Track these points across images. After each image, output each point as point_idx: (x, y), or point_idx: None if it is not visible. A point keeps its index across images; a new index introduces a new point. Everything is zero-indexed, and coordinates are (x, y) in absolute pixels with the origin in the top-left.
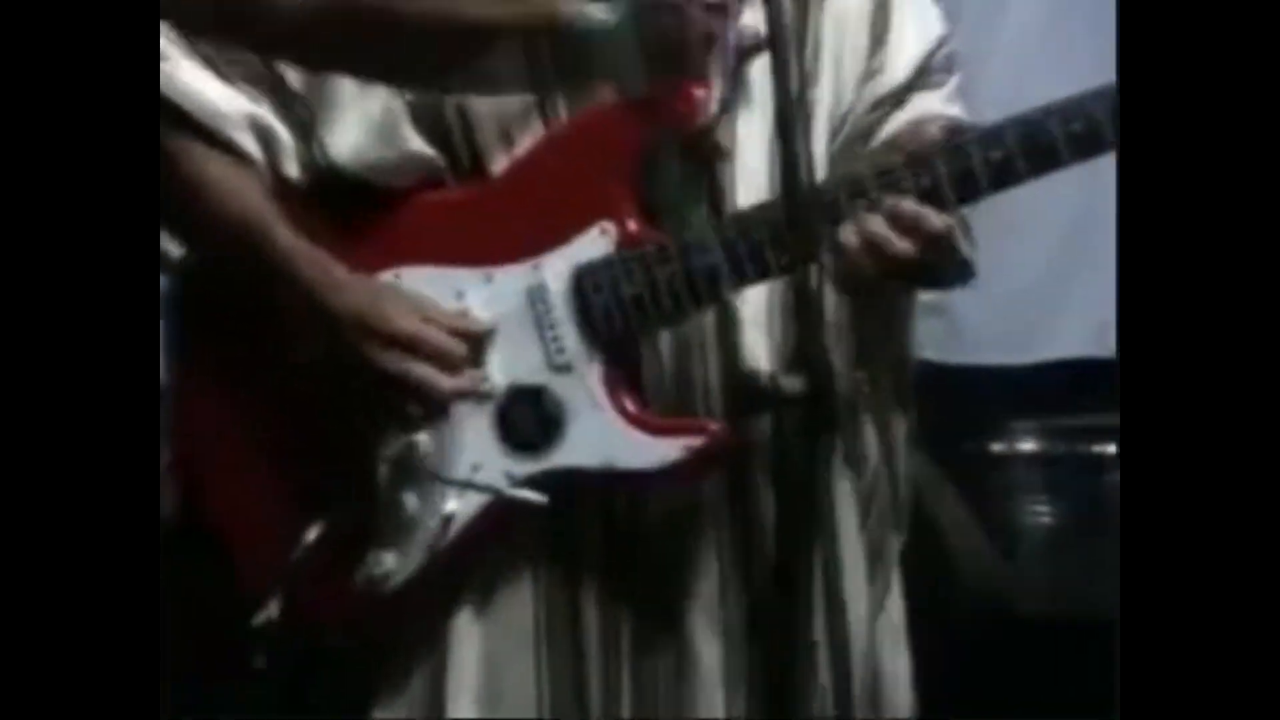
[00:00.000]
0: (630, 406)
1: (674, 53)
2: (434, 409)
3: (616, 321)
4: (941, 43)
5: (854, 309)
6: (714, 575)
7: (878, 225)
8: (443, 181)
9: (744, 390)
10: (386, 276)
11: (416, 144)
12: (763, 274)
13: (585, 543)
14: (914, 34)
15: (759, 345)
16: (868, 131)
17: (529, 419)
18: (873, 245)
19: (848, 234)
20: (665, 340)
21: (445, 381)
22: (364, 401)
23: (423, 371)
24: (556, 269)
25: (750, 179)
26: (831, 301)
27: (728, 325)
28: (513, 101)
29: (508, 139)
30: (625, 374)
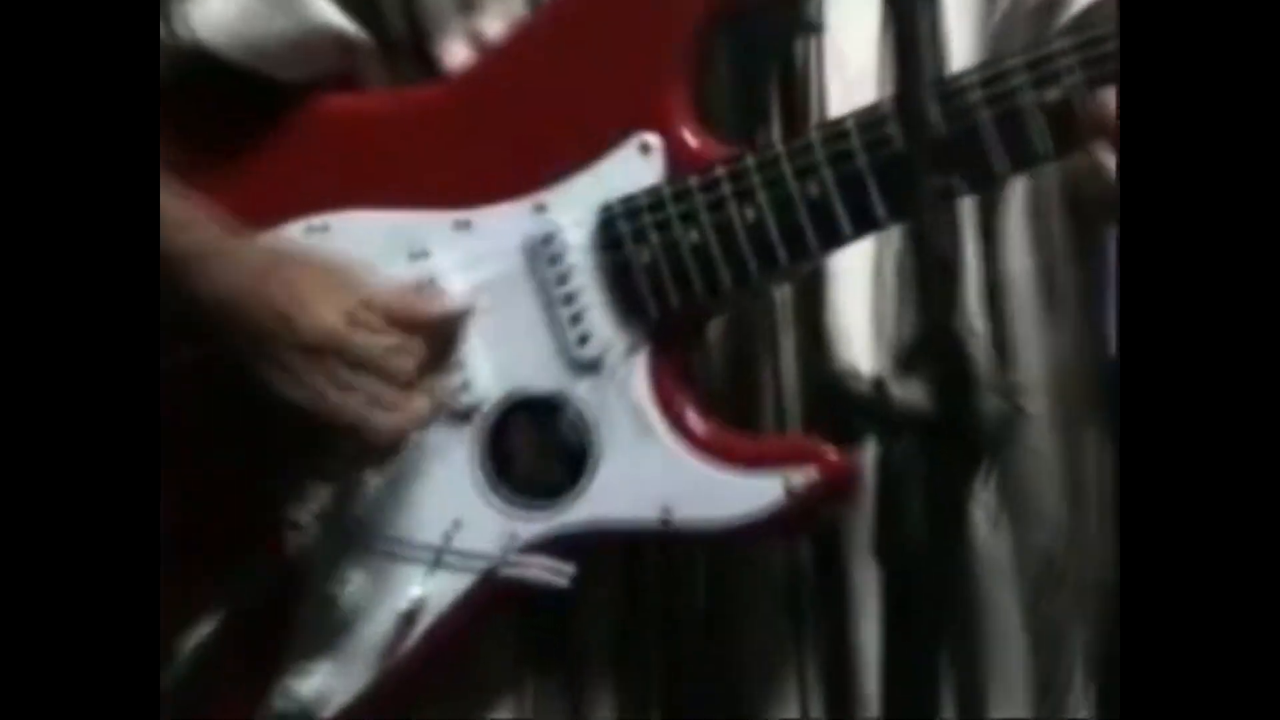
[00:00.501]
0: (696, 424)
1: None
2: (374, 457)
3: (670, 290)
4: None
5: (1040, 267)
6: (791, 690)
7: None
8: (367, 74)
9: (836, 403)
10: (298, 230)
11: (327, 12)
12: (896, 211)
13: (594, 632)
14: None
15: (859, 331)
16: (1048, 8)
17: (538, 448)
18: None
19: None
20: (714, 324)
21: (388, 420)
22: (270, 438)
23: (353, 407)
24: (572, 209)
25: (856, 69)
26: (974, 258)
27: (811, 299)
28: None
29: (469, 6)
30: (682, 373)
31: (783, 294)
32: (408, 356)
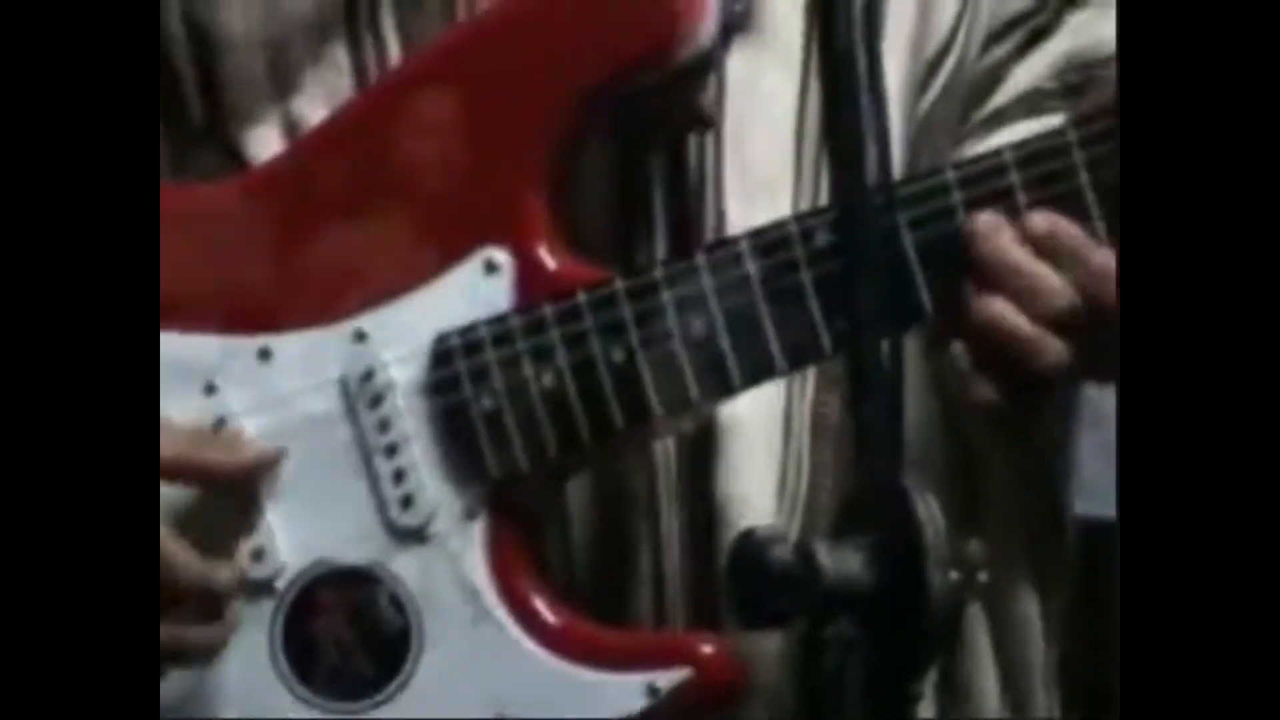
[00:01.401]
0: (544, 610)
1: None
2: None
3: (516, 445)
4: None
5: (984, 417)
6: None
7: (1017, 256)
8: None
9: (737, 580)
10: None
11: None
12: (803, 353)
13: None
14: None
15: (765, 489)
16: (983, 86)
17: (347, 634)
18: (1021, 290)
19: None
20: (576, 485)
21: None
22: None
23: None
24: (399, 340)
25: (761, 174)
26: (916, 402)
27: (702, 457)
28: (300, 14)
29: (285, 85)
30: (530, 547)
31: (666, 449)
32: (185, 558)
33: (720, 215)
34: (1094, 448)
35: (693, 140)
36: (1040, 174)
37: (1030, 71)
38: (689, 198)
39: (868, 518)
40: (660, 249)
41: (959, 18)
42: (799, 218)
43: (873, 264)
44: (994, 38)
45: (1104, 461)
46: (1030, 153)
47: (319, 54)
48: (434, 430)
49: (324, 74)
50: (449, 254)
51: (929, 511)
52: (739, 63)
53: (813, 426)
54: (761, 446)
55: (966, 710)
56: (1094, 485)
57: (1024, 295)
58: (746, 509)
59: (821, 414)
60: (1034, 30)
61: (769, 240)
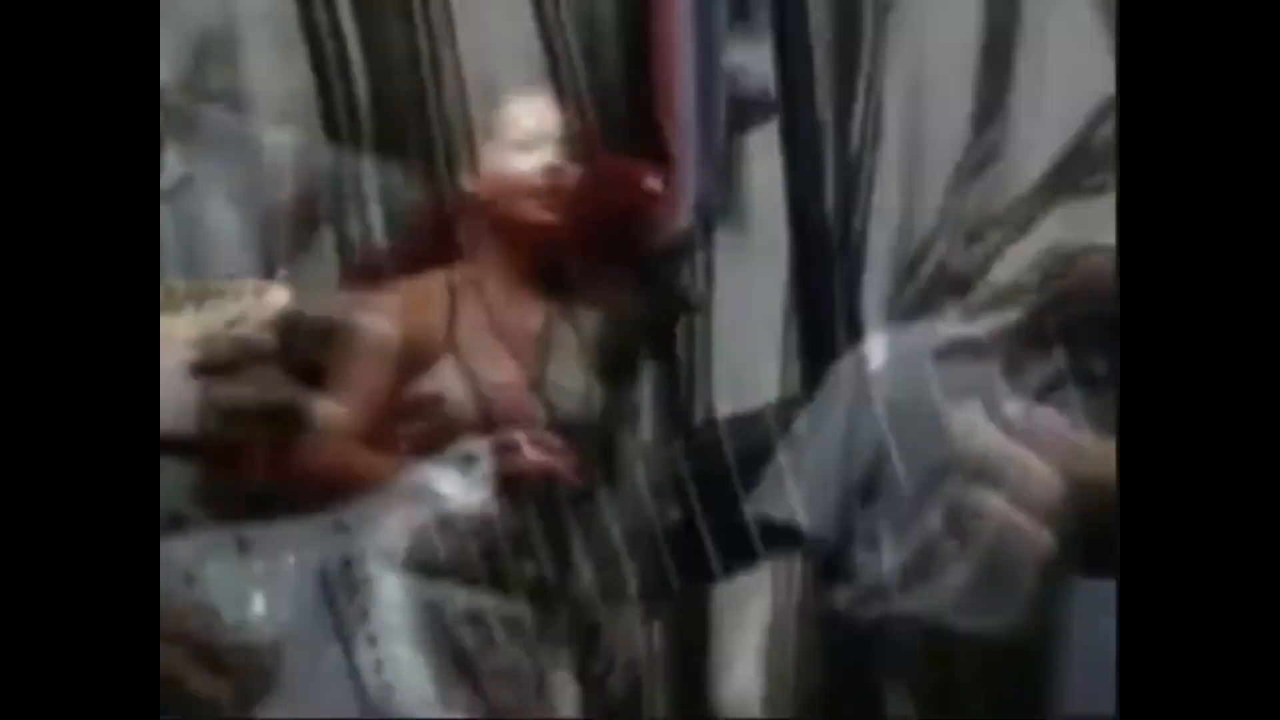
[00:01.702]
0: None
1: None
2: None
3: (499, 636)
4: (1104, 110)
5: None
6: None
7: (1000, 446)
8: None
9: None
10: None
11: None
12: (782, 541)
13: None
14: (1056, 93)
15: (750, 681)
16: (964, 279)
17: None
18: (1006, 480)
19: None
20: (569, 671)
21: None
22: None
23: None
24: (379, 529)
25: (748, 364)
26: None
27: (693, 644)
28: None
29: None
30: None
31: (653, 639)
32: None
33: (709, 402)
34: (1084, 650)
35: (682, 328)
36: (1018, 356)
37: (1011, 266)
38: (679, 385)
39: (839, 708)
40: (647, 432)
41: (942, 215)
42: (776, 407)
43: (847, 450)
44: (975, 235)
45: (1092, 664)
46: (1007, 335)
47: (304, 240)
48: (415, 621)
49: (308, 260)
50: (427, 446)
51: (900, 702)
52: (724, 255)
53: (799, 620)
54: (749, 640)
55: None
56: (1083, 688)
57: (1010, 484)
58: (732, 700)
59: (808, 608)
60: (1014, 228)
61: (745, 425)
